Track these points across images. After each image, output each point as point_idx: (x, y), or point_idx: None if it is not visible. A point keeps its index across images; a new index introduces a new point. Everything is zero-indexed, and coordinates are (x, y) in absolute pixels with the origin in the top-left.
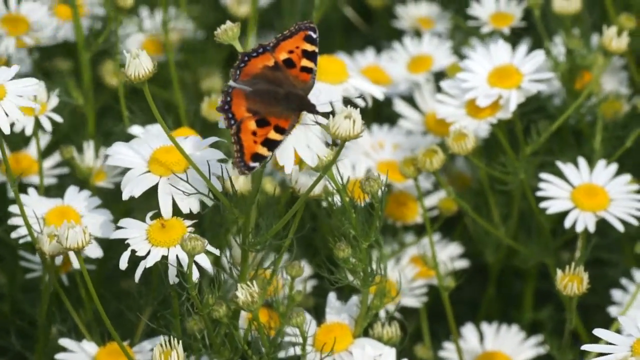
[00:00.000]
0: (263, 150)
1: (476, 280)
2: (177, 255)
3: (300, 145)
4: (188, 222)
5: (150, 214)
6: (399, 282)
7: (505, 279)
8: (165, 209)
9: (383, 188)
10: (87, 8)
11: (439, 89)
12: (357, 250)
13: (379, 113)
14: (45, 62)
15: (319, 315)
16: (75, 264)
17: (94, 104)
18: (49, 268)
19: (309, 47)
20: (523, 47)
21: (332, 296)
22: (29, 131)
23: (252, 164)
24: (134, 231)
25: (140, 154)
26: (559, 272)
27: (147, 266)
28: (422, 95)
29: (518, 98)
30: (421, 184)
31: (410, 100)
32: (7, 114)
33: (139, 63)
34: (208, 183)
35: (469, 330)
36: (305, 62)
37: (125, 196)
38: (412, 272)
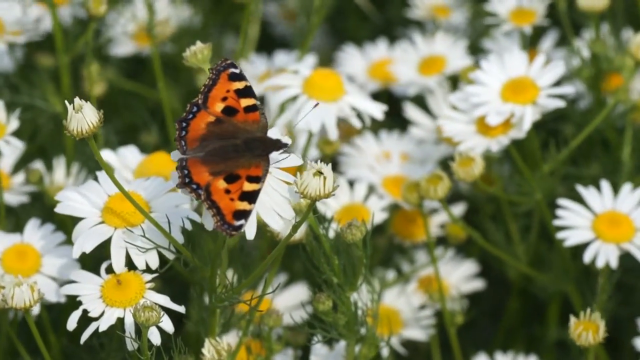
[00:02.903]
0: (244, 205)
1: (499, 287)
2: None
3: (264, 209)
4: (147, 277)
5: (104, 264)
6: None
7: (529, 289)
8: (118, 264)
9: (368, 232)
10: None
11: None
12: (341, 300)
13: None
14: (30, 55)
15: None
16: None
17: None
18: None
19: (240, 85)
20: (541, 58)
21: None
22: None
23: (237, 223)
24: (86, 287)
25: (94, 201)
26: (572, 319)
27: (101, 330)
28: (435, 99)
29: (533, 115)
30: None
31: (422, 101)
32: None
33: (81, 117)
34: (168, 237)
35: None
36: (245, 102)
37: (75, 253)
38: (419, 298)
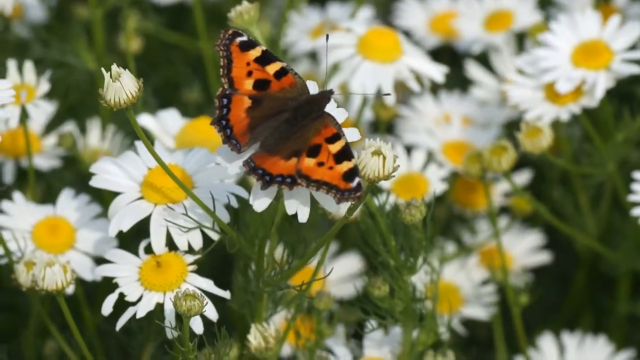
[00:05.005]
0: (346, 165)
1: (566, 257)
2: None
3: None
4: (189, 258)
5: (143, 243)
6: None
7: (598, 260)
8: (157, 244)
9: (429, 211)
10: None
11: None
12: (398, 285)
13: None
14: (65, 4)
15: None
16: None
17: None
18: (32, 298)
19: (256, 52)
20: (615, 18)
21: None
22: (13, 124)
23: (353, 184)
24: (124, 268)
25: (132, 175)
26: None
27: (139, 317)
28: (500, 58)
29: (606, 82)
30: None
31: (485, 58)
32: None
33: (120, 87)
34: (212, 215)
35: (547, 342)
36: (271, 68)
37: (112, 231)
38: (481, 273)
